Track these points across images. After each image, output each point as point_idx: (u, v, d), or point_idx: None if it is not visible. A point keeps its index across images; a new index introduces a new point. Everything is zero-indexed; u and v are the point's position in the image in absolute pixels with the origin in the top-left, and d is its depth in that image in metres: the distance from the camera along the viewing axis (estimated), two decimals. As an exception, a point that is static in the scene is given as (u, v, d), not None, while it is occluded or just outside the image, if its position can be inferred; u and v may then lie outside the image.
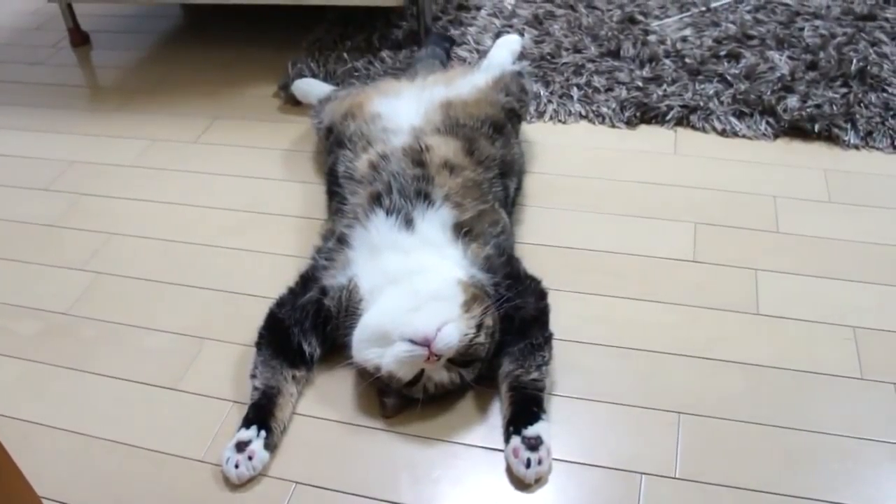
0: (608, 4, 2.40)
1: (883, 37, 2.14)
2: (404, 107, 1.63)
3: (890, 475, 1.15)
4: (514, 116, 1.73)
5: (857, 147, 1.82)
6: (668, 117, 1.93)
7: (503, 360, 1.27)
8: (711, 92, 1.97)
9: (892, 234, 1.57)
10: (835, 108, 1.88)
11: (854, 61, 2.02)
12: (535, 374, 1.25)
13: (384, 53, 2.23)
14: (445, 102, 1.62)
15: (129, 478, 1.21)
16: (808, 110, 1.87)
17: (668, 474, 1.16)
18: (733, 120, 1.90)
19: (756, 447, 1.19)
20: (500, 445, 1.21)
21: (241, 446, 1.19)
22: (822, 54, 2.06)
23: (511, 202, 1.61)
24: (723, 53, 2.11)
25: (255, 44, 2.45)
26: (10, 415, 1.33)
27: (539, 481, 1.16)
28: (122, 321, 1.49)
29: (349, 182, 1.50)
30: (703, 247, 1.56)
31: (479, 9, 2.44)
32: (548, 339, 1.30)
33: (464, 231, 1.37)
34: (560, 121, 1.99)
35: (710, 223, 1.62)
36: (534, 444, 1.17)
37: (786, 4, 2.33)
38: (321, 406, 1.30)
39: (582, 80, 2.07)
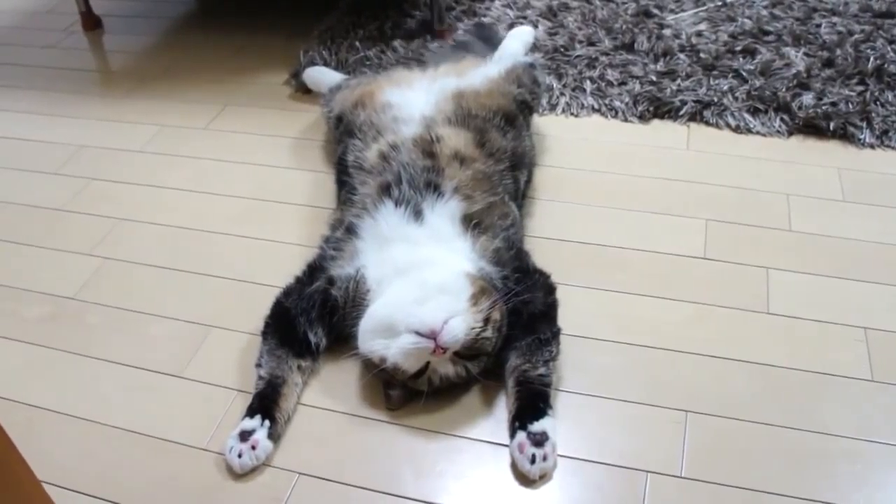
0: (623, -3, 2.38)
1: (901, 35, 2.11)
2: (416, 97, 1.62)
3: (899, 479, 1.13)
4: (525, 108, 1.72)
5: (872, 146, 1.79)
6: (681, 112, 1.91)
7: (510, 355, 1.27)
8: (726, 88, 1.96)
9: (906, 234, 1.56)
10: (850, 106, 1.86)
11: (871, 59, 1.99)
12: (542, 370, 1.24)
13: (396, 43, 2.22)
14: (457, 93, 1.61)
15: (132, 464, 1.21)
16: (824, 108, 1.85)
17: (674, 473, 1.15)
18: (747, 116, 1.88)
19: (764, 448, 1.18)
20: (506, 440, 1.21)
21: (244, 436, 1.19)
22: (838, 51, 2.04)
23: (521, 195, 1.60)
24: (738, 49, 2.09)
25: (266, 31, 2.44)
26: (14, 399, 1.33)
27: (543, 477, 1.15)
28: (129, 307, 1.49)
29: (359, 172, 1.49)
30: (715, 244, 1.55)
31: (492, -1, 2.42)
32: (555, 334, 1.29)
33: (473, 223, 1.36)
34: (572, 114, 1.97)
35: (721, 220, 1.61)
36: (539, 440, 1.16)
37: (803, 0, 2.30)
38: (326, 397, 1.30)
39: (595, 74, 2.05)
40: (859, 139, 1.80)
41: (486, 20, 2.29)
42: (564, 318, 1.32)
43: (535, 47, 2.12)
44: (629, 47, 2.14)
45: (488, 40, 2.12)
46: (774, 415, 1.22)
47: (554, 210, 1.66)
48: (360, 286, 1.31)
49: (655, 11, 2.29)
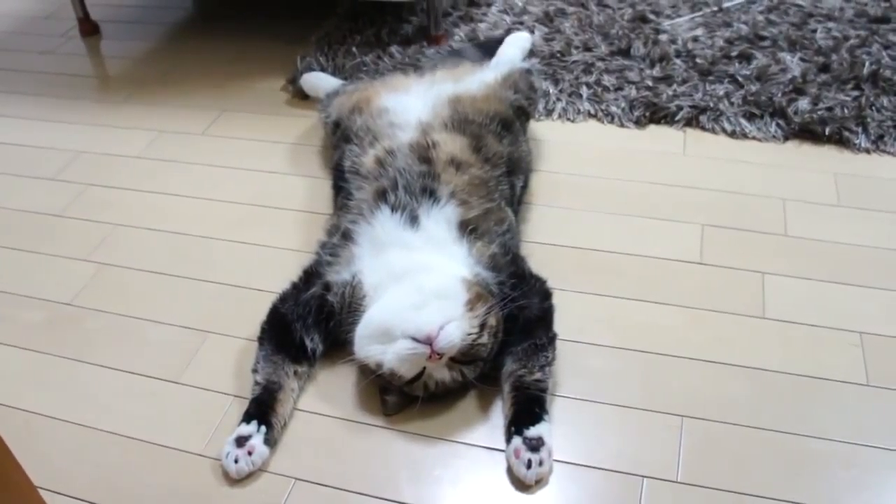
0: (619, 3, 2.38)
1: (896, 40, 2.12)
2: (412, 102, 1.62)
3: (895, 484, 1.14)
4: (522, 114, 1.72)
5: (867, 151, 1.80)
6: (677, 117, 1.92)
7: (506, 360, 1.27)
8: (722, 93, 1.96)
9: (901, 239, 1.56)
10: (846, 111, 1.86)
11: (867, 64, 2.00)
12: (538, 375, 1.24)
13: (393, 48, 2.23)
14: (454, 98, 1.61)
15: (128, 470, 1.21)
16: (819, 113, 1.86)
17: (670, 478, 1.15)
18: (743, 121, 1.89)
19: (759, 452, 1.18)
20: (502, 445, 1.21)
21: (241, 441, 1.19)
22: (834, 56, 2.05)
23: (517, 200, 1.60)
24: (734, 54, 2.09)
25: (263, 36, 2.44)
26: (10, 404, 1.33)
27: (540, 482, 1.15)
28: (126, 313, 1.49)
29: (355, 177, 1.49)
30: (711, 249, 1.55)
31: (489, 5, 2.42)
32: (552, 339, 1.29)
33: (469, 229, 1.36)
34: (569, 119, 1.97)
35: (717, 225, 1.61)
36: (535, 445, 1.16)
37: (799, 6, 2.31)
38: (322, 402, 1.30)
39: (591, 79, 2.05)
40: (855, 144, 1.81)
41: (488, 34, 2.28)
42: (560, 323, 1.33)
43: (531, 53, 2.12)
44: (625, 53, 2.14)
45: (487, 49, 2.12)
46: (770, 419, 1.22)
47: (550, 215, 1.66)
48: (356, 292, 1.31)
49: (652, 17, 2.30)
